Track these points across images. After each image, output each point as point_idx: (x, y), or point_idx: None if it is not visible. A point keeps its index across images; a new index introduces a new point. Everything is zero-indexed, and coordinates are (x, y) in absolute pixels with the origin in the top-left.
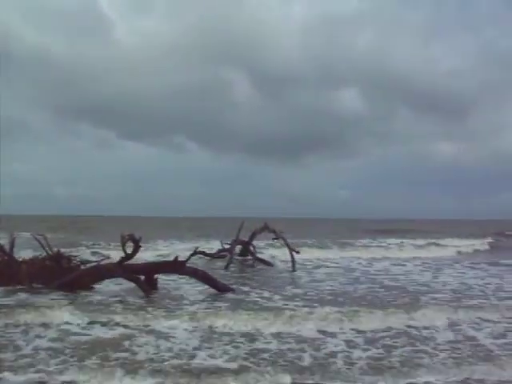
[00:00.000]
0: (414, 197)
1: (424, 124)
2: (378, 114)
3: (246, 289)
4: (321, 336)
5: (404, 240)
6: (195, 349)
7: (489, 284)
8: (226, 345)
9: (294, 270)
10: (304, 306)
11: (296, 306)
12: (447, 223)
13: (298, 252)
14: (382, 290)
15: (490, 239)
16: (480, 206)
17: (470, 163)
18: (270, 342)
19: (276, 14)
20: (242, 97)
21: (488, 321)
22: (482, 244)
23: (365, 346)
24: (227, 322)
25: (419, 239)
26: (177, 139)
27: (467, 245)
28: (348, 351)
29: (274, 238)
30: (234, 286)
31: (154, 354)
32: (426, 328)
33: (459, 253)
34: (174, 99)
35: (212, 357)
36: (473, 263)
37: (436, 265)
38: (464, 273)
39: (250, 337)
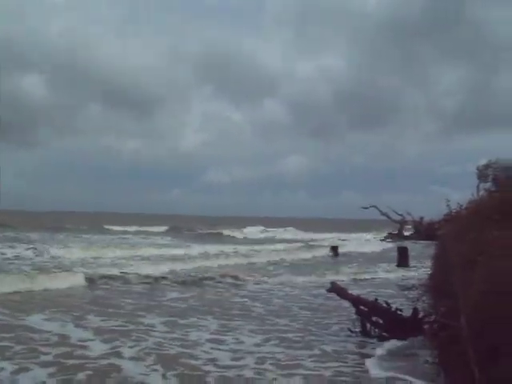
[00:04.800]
0: (100, 190)
1: (113, 118)
2: (65, 105)
3: None
4: None
5: None
6: None
7: None
8: None
9: None
10: None
11: None
12: (133, 216)
13: None
14: None
15: None
16: (155, 201)
17: (155, 159)
18: None
19: None
20: None
21: None
22: None
23: None
24: None
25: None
26: None
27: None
28: None
29: None
30: None
31: None
32: None
33: None
34: None
35: None
36: None
37: None
38: None
39: None
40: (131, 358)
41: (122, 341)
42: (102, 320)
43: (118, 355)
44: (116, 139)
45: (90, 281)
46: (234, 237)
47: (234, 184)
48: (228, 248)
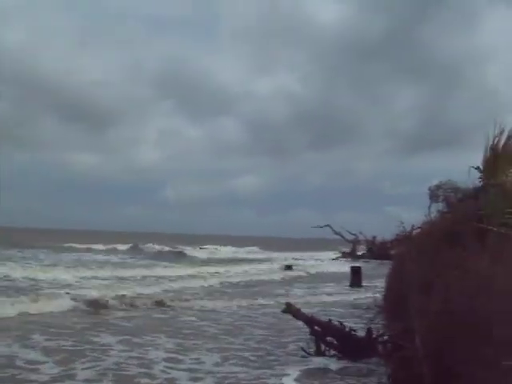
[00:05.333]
0: (57, 206)
1: (69, 133)
2: (20, 118)
3: None
4: None
5: None
6: None
7: None
8: None
9: None
10: None
11: None
12: (90, 234)
13: None
14: None
15: None
16: (112, 217)
17: (113, 174)
18: None
19: None
20: None
21: None
22: None
23: None
24: None
25: None
26: None
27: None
28: None
29: None
30: None
31: None
32: None
33: None
34: None
35: None
36: None
37: None
38: None
39: None
40: (85, 380)
41: (76, 361)
42: (49, 340)
43: (72, 377)
44: (74, 154)
45: (36, 301)
46: (196, 256)
47: (191, 201)
48: (193, 269)
